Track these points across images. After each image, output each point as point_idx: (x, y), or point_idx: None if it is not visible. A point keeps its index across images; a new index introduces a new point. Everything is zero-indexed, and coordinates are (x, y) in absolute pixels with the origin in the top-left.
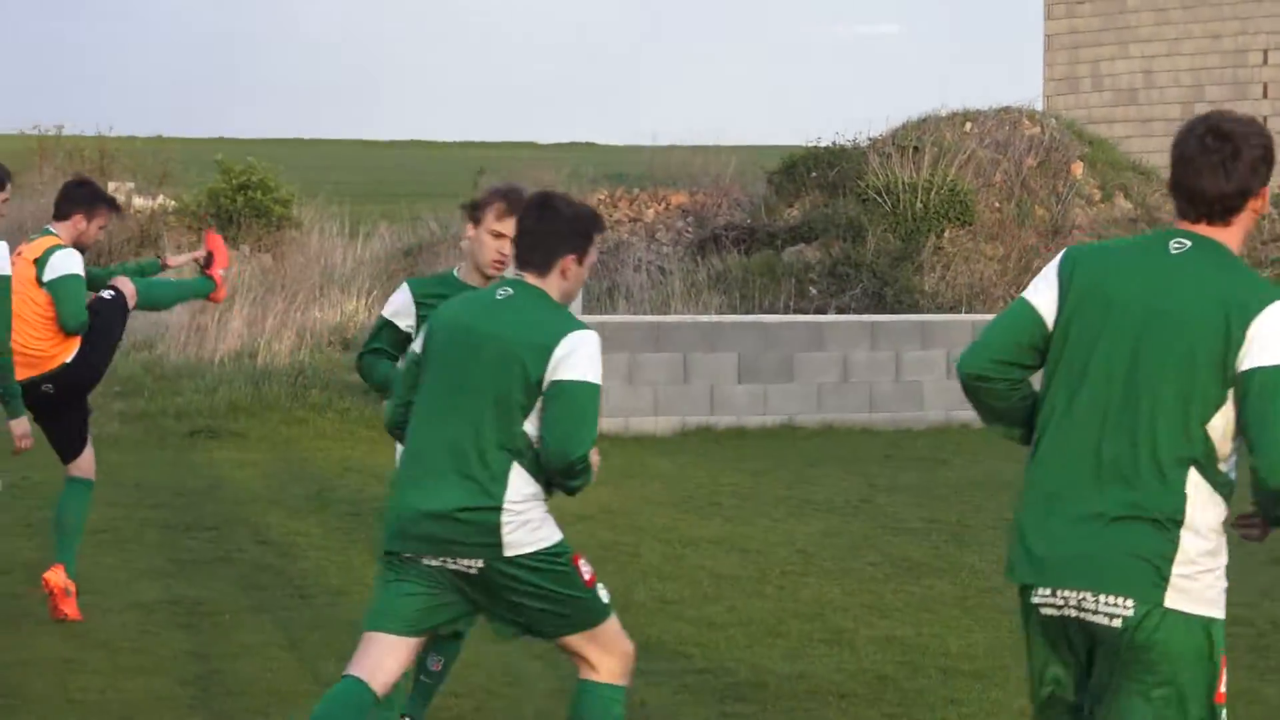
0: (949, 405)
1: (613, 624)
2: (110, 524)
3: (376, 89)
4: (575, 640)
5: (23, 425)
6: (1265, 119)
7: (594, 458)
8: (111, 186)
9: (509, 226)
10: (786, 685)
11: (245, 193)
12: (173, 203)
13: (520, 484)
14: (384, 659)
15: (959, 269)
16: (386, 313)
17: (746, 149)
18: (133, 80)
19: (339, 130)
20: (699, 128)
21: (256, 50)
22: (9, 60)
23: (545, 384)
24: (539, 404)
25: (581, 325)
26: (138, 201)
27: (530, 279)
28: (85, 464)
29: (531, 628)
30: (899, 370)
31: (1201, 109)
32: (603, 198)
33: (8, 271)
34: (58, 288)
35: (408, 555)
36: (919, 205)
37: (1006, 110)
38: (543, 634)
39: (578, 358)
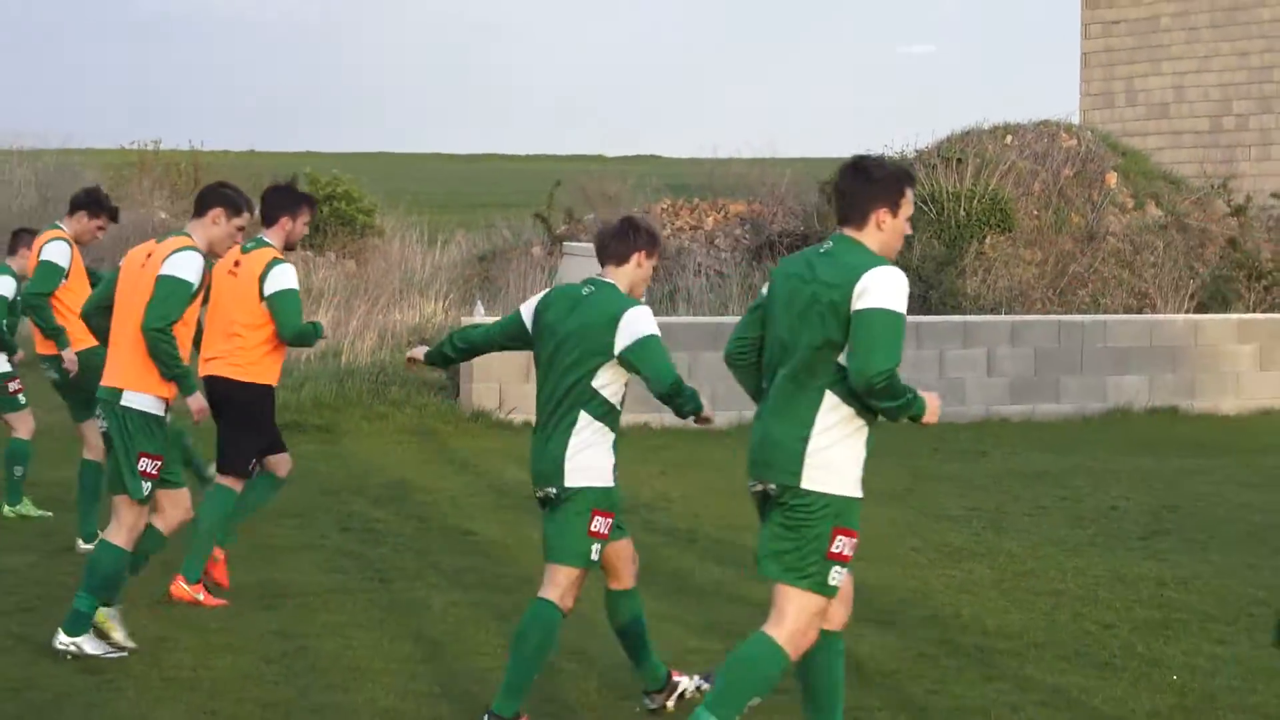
0: (989, 400)
1: (814, 605)
2: None
3: (454, 106)
4: (779, 588)
5: (199, 400)
6: None
7: (931, 401)
8: None
9: None
10: None
11: (331, 203)
12: None
13: (829, 416)
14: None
15: (999, 273)
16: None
17: (800, 161)
18: (226, 98)
19: (420, 145)
20: (755, 141)
21: (342, 71)
22: (113, 80)
23: (850, 315)
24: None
25: (884, 262)
26: None
27: (850, 233)
28: (280, 463)
29: (767, 557)
30: (942, 367)
31: (1229, 123)
32: (665, 207)
33: (192, 279)
34: (275, 301)
35: (752, 485)
36: (962, 213)
37: (1045, 124)
38: (764, 568)
39: (876, 289)
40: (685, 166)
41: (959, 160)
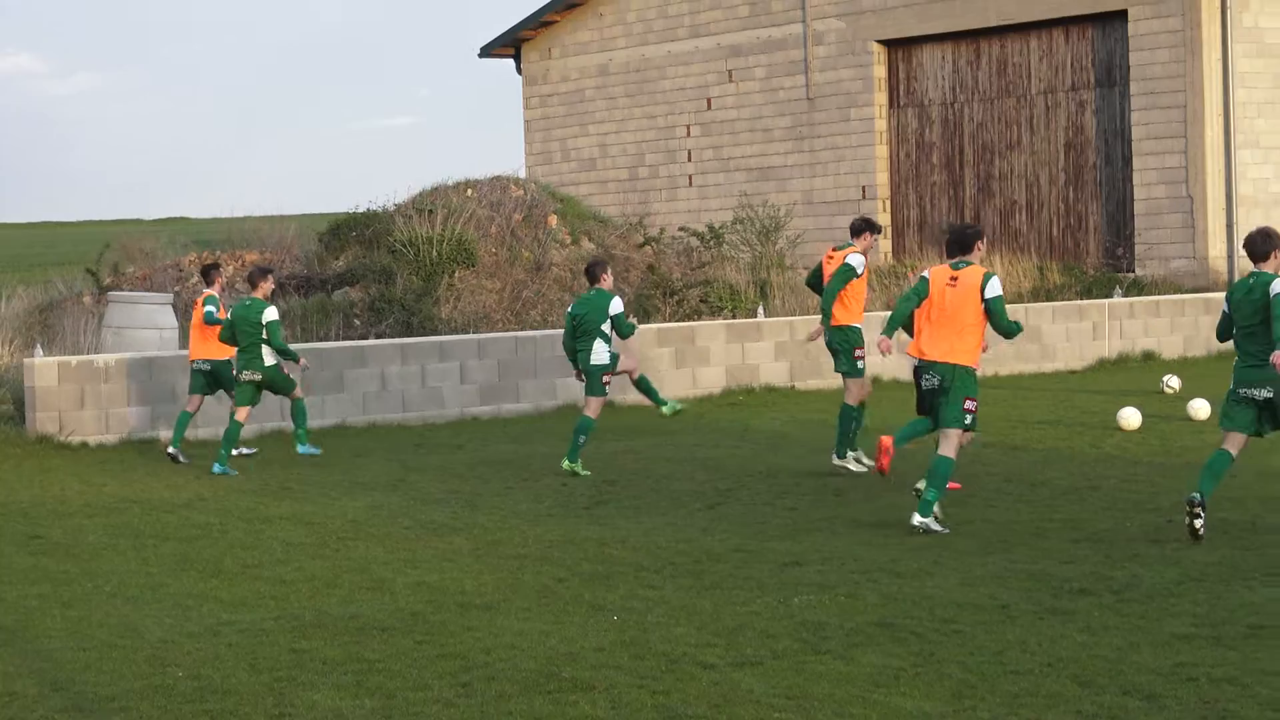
0: (463, 404)
1: None
2: None
3: (13, 181)
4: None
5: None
6: (690, 177)
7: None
8: None
9: None
10: (342, 624)
11: None
12: None
13: None
14: (1236, 439)
15: (467, 300)
16: None
17: (303, 216)
18: None
19: None
20: (265, 202)
21: None
22: None
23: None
24: None
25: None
26: None
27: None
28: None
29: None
30: (424, 379)
31: (644, 171)
32: (193, 259)
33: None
34: (991, 305)
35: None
36: (435, 254)
37: (498, 178)
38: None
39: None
40: (210, 224)
41: (430, 210)
